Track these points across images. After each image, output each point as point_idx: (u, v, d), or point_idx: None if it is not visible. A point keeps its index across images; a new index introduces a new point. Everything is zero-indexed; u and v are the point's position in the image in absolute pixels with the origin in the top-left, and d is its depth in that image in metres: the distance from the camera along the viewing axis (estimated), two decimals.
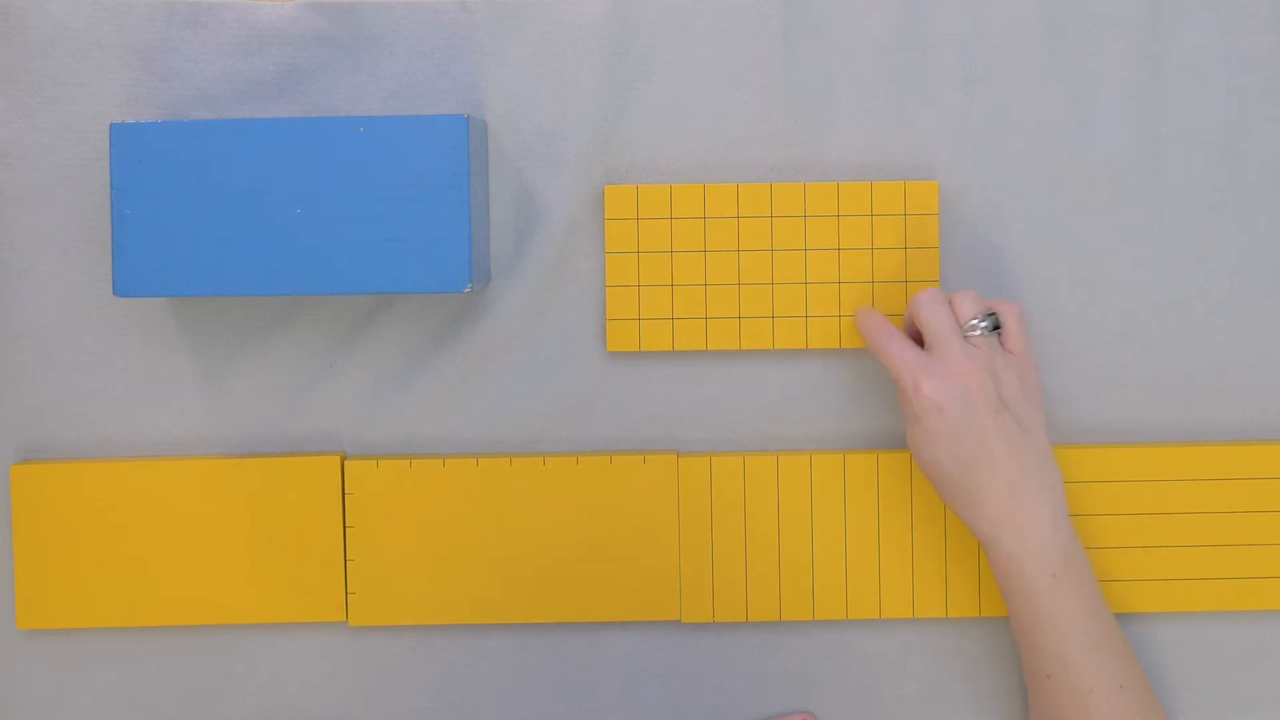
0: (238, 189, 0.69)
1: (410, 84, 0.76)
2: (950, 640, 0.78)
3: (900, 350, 0.70)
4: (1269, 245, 0.77)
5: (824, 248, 0.75)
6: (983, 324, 0.70)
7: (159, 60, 0.75)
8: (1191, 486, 0.76)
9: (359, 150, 0.69)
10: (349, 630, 0.77)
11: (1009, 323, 0.71)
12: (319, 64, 0.76)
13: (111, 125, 0.69)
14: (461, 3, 0.76)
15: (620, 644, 0.77)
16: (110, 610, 0.75)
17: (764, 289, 0.75)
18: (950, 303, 0.71)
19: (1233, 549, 0.76)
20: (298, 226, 0.69)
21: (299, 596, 0.76)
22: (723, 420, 0.77)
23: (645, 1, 0.76)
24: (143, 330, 0.76)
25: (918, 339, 0.72)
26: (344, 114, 0.76)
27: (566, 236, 0.76)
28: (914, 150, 0.77)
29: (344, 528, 0.76)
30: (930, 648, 0.78)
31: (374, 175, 0.69)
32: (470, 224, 0.70)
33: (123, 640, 0.77)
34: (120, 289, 0.70)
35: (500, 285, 0.77)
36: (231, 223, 0.69)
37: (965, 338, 0.69)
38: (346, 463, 0.76)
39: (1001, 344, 0.70)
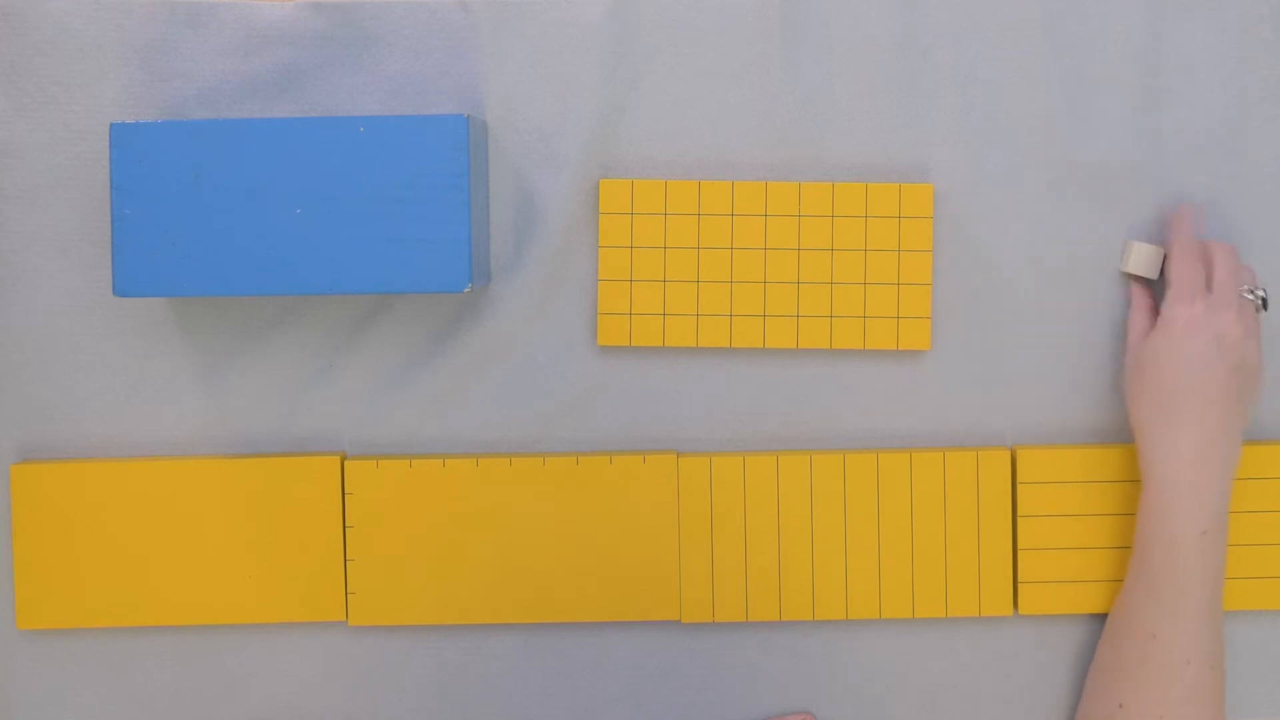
0: (238, 189, 0.69)
1: (410, 84, 0.76)
2: (950, 640, 0.78)
3: (1191, 275, 0.72)
4: (1269, 245, 0.77)
5: (818, 248, 0.75)
6: (1261, 293, 0.73)
7: (159, 60, 0.75)
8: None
9: (359, 150, 0.69)
10: (349, 630, 0.77)
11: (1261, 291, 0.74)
12: (319, 64, 0.76)
13: (111, 125, 0.69)
14: (461, 3, 0.76)
15: (620, 644, 0.77)
16: (110, 610, 0.75)
17: (756, 287, 0.75)
18: (1229, 253, 0.74)
19: (1235, 548, 0.76)
20: (298, 226, 0.69)
21: (299, 596, 0.76)
22: (723, 420, 0.77)
23: (645, 1, 0.76)
24: (143, 330, 0.76)
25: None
26: (344, 114, 0.76)
27: (566, 236, 0.76)
28: (912, 150, 0.77)
29: (344, 528, 0.76)
30: (930, 648, 0.78)
31: (374, 175, 0.69)
32: (470, 224, 0.70)
33: (123, 640, 0.77)
34: (120, 289, 0.70)
35: (500, 285, 0.77)
36: (231, 223, 0.69)
37: (1241, 295, 0.72)
38: (346, 463, 0.76)
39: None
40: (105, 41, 0.75)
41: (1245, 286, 0.73)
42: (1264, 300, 0.73)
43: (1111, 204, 0.77)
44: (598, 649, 0.77)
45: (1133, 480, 0.76)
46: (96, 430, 0.77)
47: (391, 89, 0.76)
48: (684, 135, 0.76)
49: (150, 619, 0.75)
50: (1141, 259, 0.76)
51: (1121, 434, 0.77)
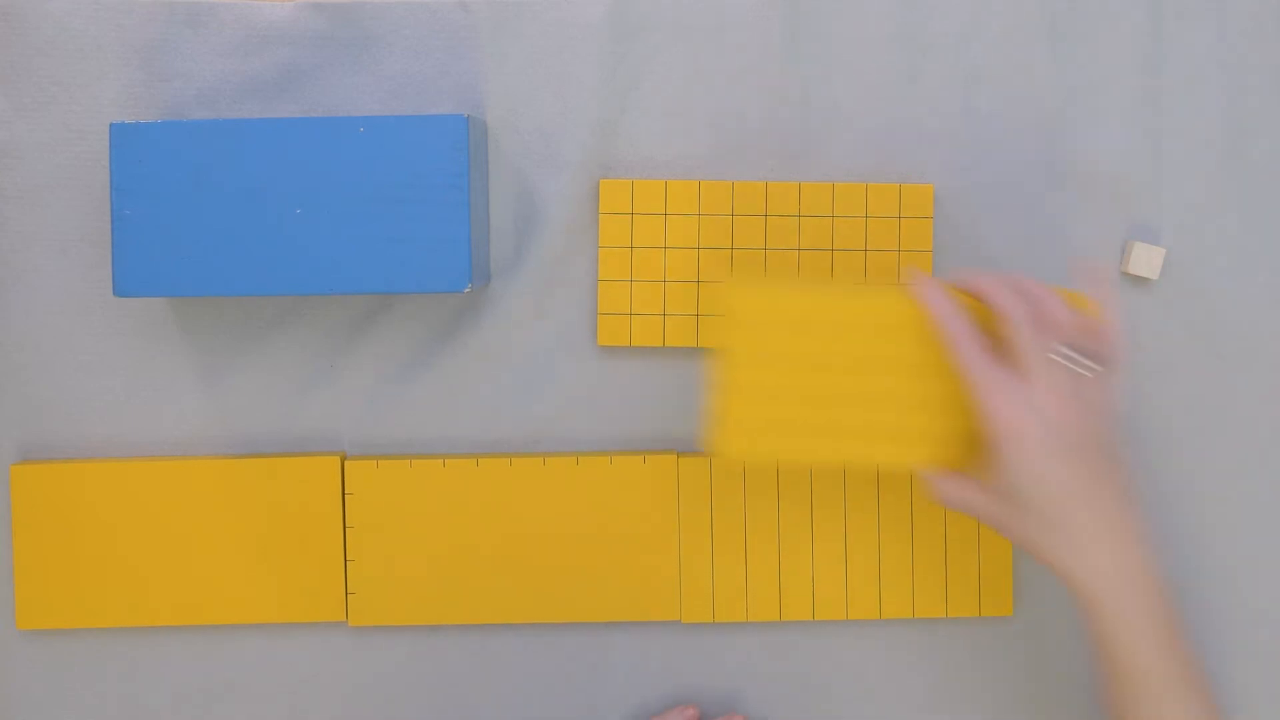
0: (238, 189, 0.69)
1: (410, 84, 0.76)
2: (950, 640, 0.78)
3: (979, 364, 0.62)
4: (1269, 245, 0.77)
5: (818, 249, 0.75)
6: (1081, 359, 0.63)
7: (159, 60, 0.75)
8: None
9: (359, 150, 0.69)
10: (349, 630, 0.77)
11: (1109, 363, 0.64)
12: (319, 64, 0.76)
13: (111, 125, 0.69)
14: (461, 3, 0.76)
15: (620, 644, 0.77)
16: (110, 610, 0.75)
17: None
18: (1038, 303, 0.64)
19: None
20: (298, 226, 0.69)
21: (299, 596, 0.76)
22: None
23: (645, 1, 0.76)
24: (143, 330, 0.76)
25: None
26: (344, 114, 0.76)
27: (566, 236, 0.76)
28: (912, 150, 0.77)
29: (344, 528, 0.76)
30: (930, 648, 0.78)
31: (374, 175, 0.69)
32: (470, 224, 0.70)
33: (123, 640, 0.77)
34: (120, 289, 0.70)
35: (500, 285, 0.77)
36: (231, 223, 0.69)
37: (1050, 361, 0.63)
38: (346, 463, 0.76)
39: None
40: (105, 41, 0.75)
41: (1060, 349, 0.63)
42: (1087, 358, 0.63)
43: (1111, 204, 0.77)
44: (598, 649, 0.77)
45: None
46: (96, 430, 0.77)
47: (391, 89, 0.76)
48: (684, 135, 0.76)
49: (150, 619, 0.75)
50: (1142, 259, 0.76)
51: (1125, 427, 0.77)
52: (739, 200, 0.75)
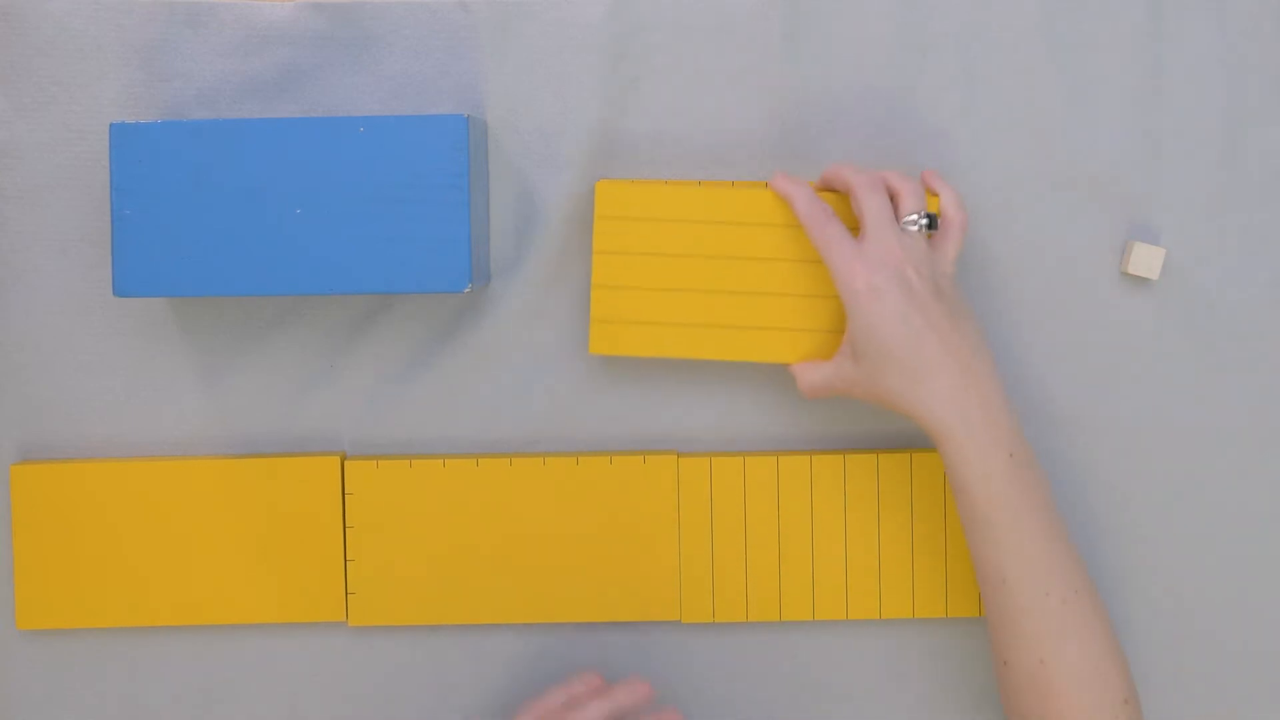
0: (238, 189, 0.69)
1: (410, 84, 0.76)
2: (950, 640, 0.78)
3: (837, 239, 0.69)
4: (1269, 245, 0.77)
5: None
6: (922, 220, 0.70)
7: (159, 60, 0.75)
8: None
9: (359, 150, 0.69)
10: (349, 630, 0.77)
11: (949, 230, 0.71)
12: (319, 64, 0.76)
13: (111, 125, 0.69)
14: (461, 3, 0.76)
15: (620, 644, 0.77)
16: (110, 610, 0.75)
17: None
18: (891, 189, 0.70)
19: None
20: (298, 226, 0.69)
21: (299, 596, 0.76)
22: (723, 420, 0.77)
23: (645, 1, 0.76)
24: (143, 330, 0.76)
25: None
26: (344, 114, 0.76)
27: (566, 237, 0.76)
28: (912, 150, 0.77)
29: (344, 528, 0.76)
30: (930, 648, 0.78)
31: (374, 175, 0.69)
32: (470, 224, 0.70)
33: (123, 640, 0.77)
34: (120, 289, 0.70)
35: (500, 285, 0.77)
36: (231, 223, 0.69)
37: (901, 229, 0.69)
38: (346, 463, 0.76)
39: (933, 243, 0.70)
40: (105, 41, 0.75)
41: (905, 218, 0.69)
42: (927, 222, 0.70)
43: (1111, 204, 0.77)
44: (598, 649, 0.77)
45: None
46: (96, 430, 0.77)
47: (391, 89, 0.76)
48: (684, 136, 0.76)
49: (150, 619, 0.75)
50: (1142, 259, 0.76)
51: (1124, 430, 0.77)
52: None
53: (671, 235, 0.73)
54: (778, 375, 0.77)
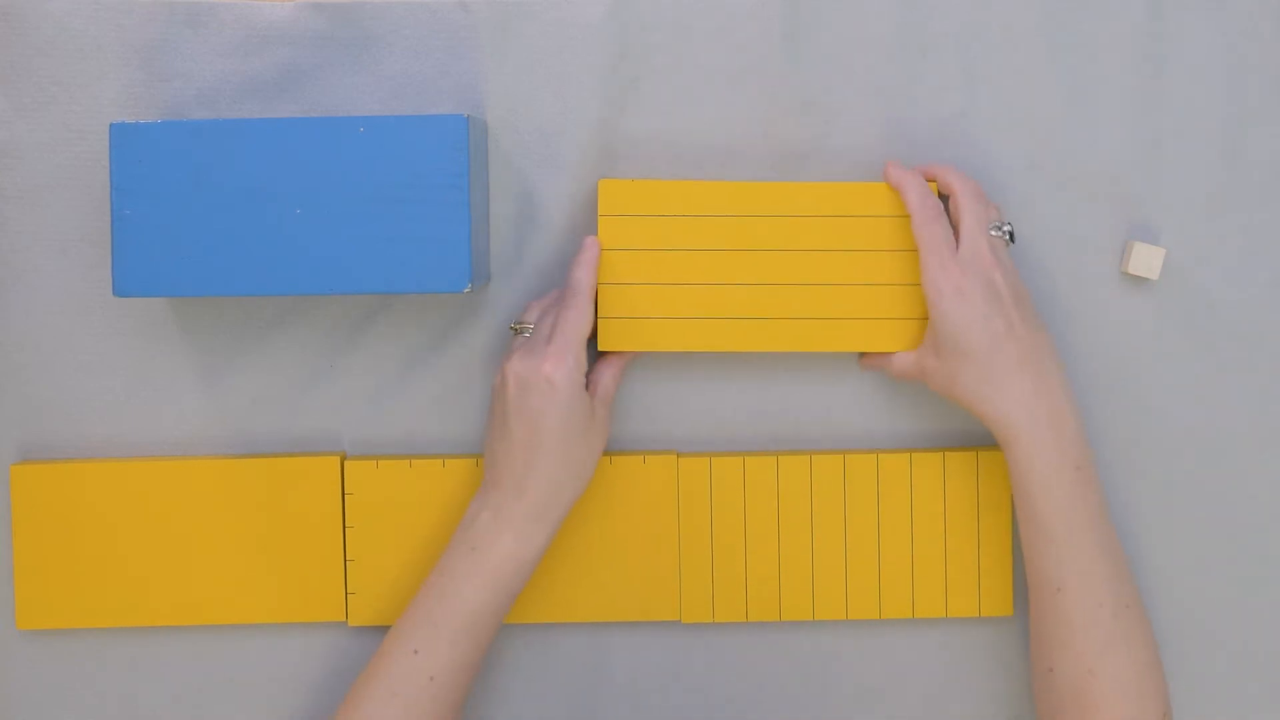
0: (238, 189, 0.69)
1: (410, 84, 0.76)
2: (950, 640, 0.78)
3: (940, 239, 0.71)
4: (1269, 245, 0.77)
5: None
6: (1007, 228, 0.72)
7: (159, 60, 0.75)
8: None
9: (359, 150, 0.69)
10: (349, 630, 0.77)
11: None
12: (319, 64, 0.76)
13: (111, 125, 0.69)
14: (461, 3, 0.76)
15: (620, 644, 0.77)
16: (110, 610, 0.75)
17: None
18: (976, 186, 0.73)
19: None
20: (298, 226, 0.69)
21: (299, 596, 0.76)
22: (723, 420, 0.77)
23: (645, 1, 0.76)
24: (143, 330, 0.76)
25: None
26: (344, 114, 0.76)
27: (566, 237, 0.76)
28: (912, 150, 0.77)
29: (344, 528, 0.76)
30: (930, 648, 0.78)
31: (374, 175, 0.69)
32: (470, 224, 0.70)
33: (123, 640, 0.77)
34: (120, 289, 0.70)
35: (500, 285, 0.77)
36: (231, 223, 0.69)
37: (989, 234, 0.71)
38: (346, 463, 0.76)
39: None
40: (105, 41, 0.75)
41: (993, 225, 0.72)
42: (1010, 234, 0.72)
43: (1111, 204, 0.77)
44: (598, 649, 0.77)
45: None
46: (96, 430, 0.77)
47: (391, 89, 0.76)
48: (684, 136, 0.76)
49: (150, 619, 0.75)
50: (1142, 259, 0.76)
51: (1125, 427, 0.77)
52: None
53: (675, 230, 0.74)
54: (777, 375, 0.77)
